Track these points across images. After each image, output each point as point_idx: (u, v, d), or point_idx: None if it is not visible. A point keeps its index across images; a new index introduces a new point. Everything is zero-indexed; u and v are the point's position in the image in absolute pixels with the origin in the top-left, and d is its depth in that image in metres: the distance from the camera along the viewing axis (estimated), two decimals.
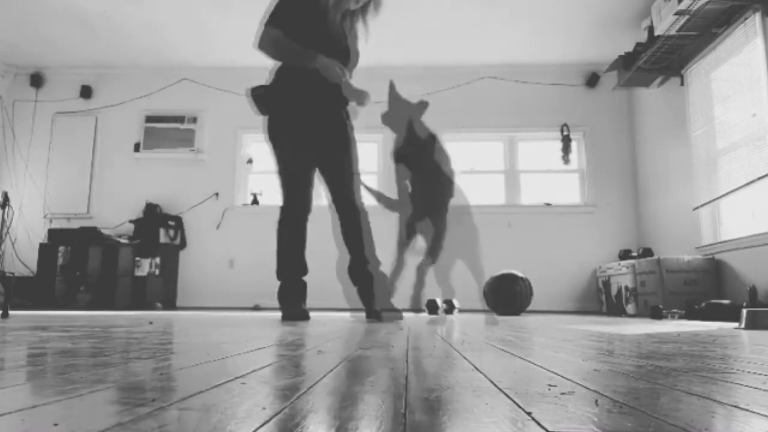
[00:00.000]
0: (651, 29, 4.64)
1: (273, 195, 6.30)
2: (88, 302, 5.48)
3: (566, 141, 6.08)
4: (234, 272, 6.01)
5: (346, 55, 2.90)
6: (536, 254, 5.80)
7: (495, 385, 0.64)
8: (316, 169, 2.90)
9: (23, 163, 6.33)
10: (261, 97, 2.78)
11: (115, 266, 5.64)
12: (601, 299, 5.60)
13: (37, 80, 6.42)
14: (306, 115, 2.75)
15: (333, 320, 2.94)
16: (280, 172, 2.84)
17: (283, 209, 2.88)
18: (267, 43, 2.70)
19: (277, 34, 2.68)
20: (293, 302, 2.82)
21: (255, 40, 2.76)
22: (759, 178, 3.87)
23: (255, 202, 6.21)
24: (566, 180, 6.23)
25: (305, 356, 0.99)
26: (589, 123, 6.14)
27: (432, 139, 3.57)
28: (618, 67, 5.15)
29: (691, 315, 3.87)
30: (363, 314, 3.00)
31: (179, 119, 6.29)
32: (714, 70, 4.51)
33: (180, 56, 6.15)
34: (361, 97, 2.78)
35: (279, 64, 2.82)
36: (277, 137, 2.78)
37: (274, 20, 2.71)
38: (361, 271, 2.87)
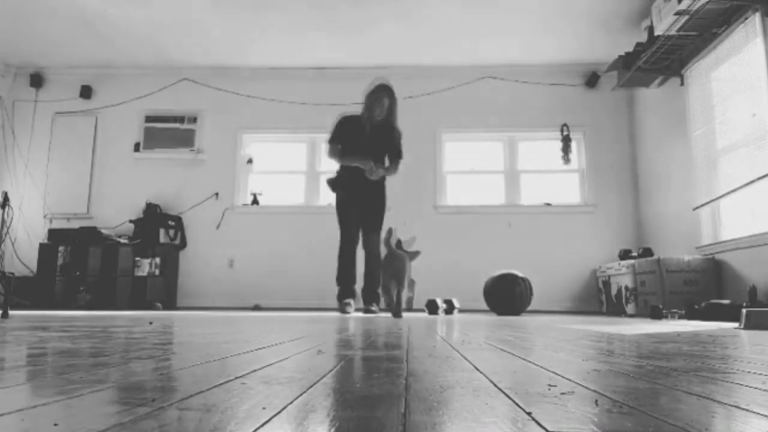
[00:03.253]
0: (651, 29, 4.64)
1: (273, 195, 6.32)
2: (88, 302, 5.48)
3: (566, 141, 6.08)
4: (234, 272, 6.01)
5: (379, 151, 4.36)
6: (536, 254, 5.81)
7: (495, 385, 0.64)
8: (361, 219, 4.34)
9: (23, 163, 6.34)
10: (332, 181, 4.38)
11: (115, 266, 5.64)
12: (601, 299, 5.60)
13: (37, 80, 6.42)
14: (356, 191, 4.30)
15: (333, 320, 2.94)
16: (339, 221, 4.31)
17: (341, 241, 4.32)
18: (330, 154, 4.36)
19: (334, 147, 4.32)
20: (346, 303, 4.19)
21: (325, 153, 4.54)
22: (759, 178, 3.87)
23: (255, 202, 6.21)
24: (566, 180, 6.23)
25: (305, 356, 0.99)
26: (589, 123, 6.14)
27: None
28: (618, 67, 5.15)
29: (691, 315, 3.87)
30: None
31: (179, 119, 6.29)
32: (714, 70, 4.51)
33: (180, 56, 6.15)
34: (386, 173, 4.33)
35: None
36: (339, 204, 4.33)
37: (332, 137, 4.33)
38: (372, 291, 4.29)
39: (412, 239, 4.45)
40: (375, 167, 4.17)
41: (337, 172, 4.38)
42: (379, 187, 4.37)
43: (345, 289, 4.24)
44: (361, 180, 4.23)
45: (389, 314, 3.88)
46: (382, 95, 4.26)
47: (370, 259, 4.31)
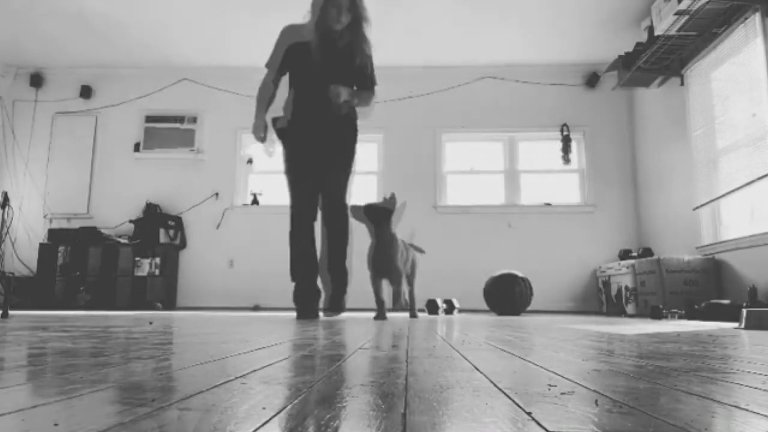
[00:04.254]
0: (651, 29, 4.64)
1: (273, 195, 6.32)
2: (88, 302, 5.48)
3: (566, 141, 6.08)
4: (234, 272, 6.01)
5: (348, 79, 3.15)
6: (536, 254, 5.81)
7: (495, 385, 0.64)
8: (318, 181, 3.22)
9: (23, 163, 6.34)
10: (279, 123, 3.22)
11: (115, 266, 5.64)
12: (601, 299, 5.60)
13: (37, 80, 6.42)
14: (312, 134, 3.16)
15: (333, 320, 2.94)
16: (289, 185, 3.21)
17: (291, 216, 3.22)
18: (260, 89, 3.22)
19: (268, 78, 3.18)
20: (305, 303, 3.11)
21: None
22: (759, 178, 3.87)
23: (255, 202, 6.21)
24: (566, 180, 6.23)
25: (306, 356, 0.99)
26: (589, 123, 6.14)
27: None
28: (618, 67, 5.15)
29: (691, 315, 3.87)
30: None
31: (179, 119, 6.29)
32: (714, 70, 4.51)
33: (180, 56, 6.15)
34: (351, 98, 3.12)
35: (292, 95, 3.21)
36: (288, 158, 3.21)
37: (269, 60, 3.19)
38: (340, 269, 3.21)
39: (412, 234, 3.91)
40: (335, 90, 2.96)
41: (284, 110, 3.19)
42: (346, 125, 3.18)
43: (303, 287, 3.12)
44: (320, 117, 3.07)
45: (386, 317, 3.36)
46: None
47: (333, 239, 3.15)
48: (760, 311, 2.49)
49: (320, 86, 3.00)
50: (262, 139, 3.13)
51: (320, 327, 2.16)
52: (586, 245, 5.88)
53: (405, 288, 3.35)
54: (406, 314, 3.95)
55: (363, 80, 3.16)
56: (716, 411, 0.52)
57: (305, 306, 3.08)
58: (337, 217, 3.16)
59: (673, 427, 0.43)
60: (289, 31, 3.14)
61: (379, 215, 3.19)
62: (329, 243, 3.17)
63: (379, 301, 3.27)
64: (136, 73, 6.44)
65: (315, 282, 3.16)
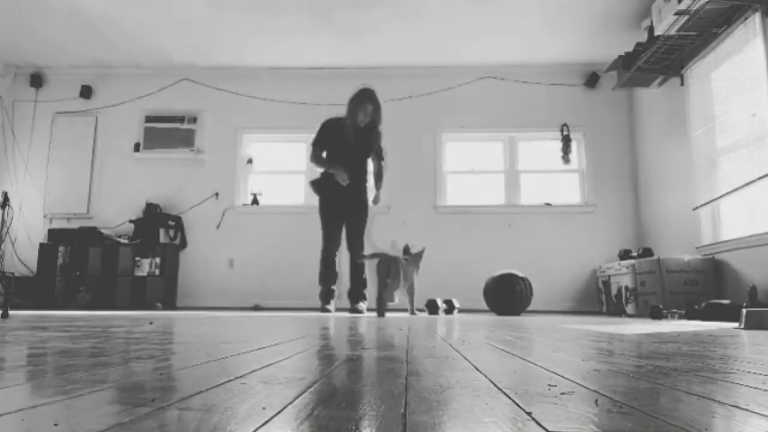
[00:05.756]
0: (651, 29, 4.64)
1: (273, 195, 6.32)
2: (88, 302, 5.48)
3: (566, 141, 6.08)
4: (234, 272, 6.01)
5: (363, 155, 4.53)
6: (536, 254, 5.81)
7: (495, 385, 0.64)
8: (344, 223, 4.49)
9: (23, 163, 6.34)
10: (315, 183, 4.50)
11: (115, 266, 5.64)
12: (601, 299, 5.60)
13: (37, 80, 6.42)
14: (338, 194, 4.41)
15: (333, 320, 2.94)
16: (322, 223, 4.46)
17: (323, 247, 4.48)
18: (313, 158, 4.52)
19: (318, 152, 4.47)
20: (328, 299, 4.39)
21: (309, 157, 4.65)
22: (759, 178, 3.87)
23: (255, 202, 6.21)
24: (566, 180, 6.23)
25: (306, 356, 0.99)
26: (589, 123, 6.14)
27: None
28: (618, 67, 5.15)
29: (691, 315, 3.87)
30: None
31: (179, 119, 6.28)
32: (714, 70, 4.51)
33: (180, 56, 6.15)
34: (377, 189, 4.61)
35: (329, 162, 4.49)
36: (322, 206, 4.48)
37: (315, 140, 4.50)
38: (358, 291, 4.40)
39: (422, 251, 4.39)
40: (343, 173, 4.29)
41: (321, 174, 4.50)
42: (361, 194, 4.50)
43: (327, 289, 4.40)
44: (343, 185, 4.35)
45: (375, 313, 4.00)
46: (365, 101, 4.30)
47: (353, 265, 4.45)
48: (760, 311, 2.49)
49: (351, 159, 4.41)
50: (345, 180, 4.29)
51: (321, 327, 2.16)
52: (586, 245, 5.88)
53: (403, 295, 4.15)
54: (405, 313, 4.02)
55: (376, 153, 4.53)
56: (716, 411, 0.52)
57: (327, 302, 4.36)
58: (357, 247, 4.42)
59: (673, 427, 0.43)
60: (329, 124, 4.48)
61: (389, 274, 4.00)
62: (351, 263, 4.41)
63: (381, 302, 3.96)
64: (136, 73, 6.44)
65: (334, 286, 4.42)
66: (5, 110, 6.40)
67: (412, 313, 4.11)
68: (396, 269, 3.98)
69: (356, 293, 4.38)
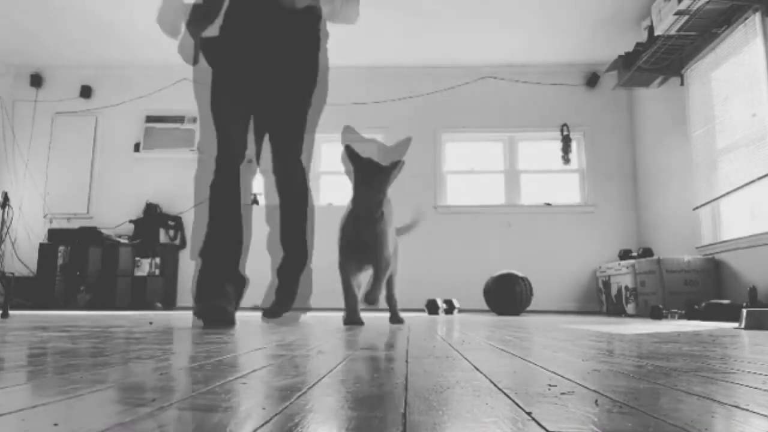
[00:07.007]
0: (651, 29, 4.64)
1: (272, 195, 6.30)
2: (88, 302, 5.48)
3: (566, 141, 6.08)
4: None
5: None
6: (536, 254, 5.81)
7: (495, 385, 0.64)
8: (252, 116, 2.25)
9: (23, 163, 6.33)
10: (207, 39, 2.20)
11: (115, 266, 5.64)
12: (601, 299, 5.60)
13: (37, 80, 6.42)
14: (249, 46, 2.07)
15: (333, 320, 2.94)
16: (213, 117, 2.26)
17: (216, 165, 2.25)
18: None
19: None
20: (213, 296, 1.93)
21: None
22: (759, 178, 3.87)
23: (255, 202, 6.21)
24: (566, 180, 6.23)
25: (305, 356, 0.99)
26: (589, 123, 6.14)
27: None
28: (618, 67, 5.15)
29: (691, 315, 3.87)
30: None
31: (179, 119, 6.29)
32: (714, 70, 4.51)
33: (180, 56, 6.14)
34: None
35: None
36: (214, 82, 2.19)
37: None
38: (296, 269, 2.28)
39: (417, 216, 3.22)
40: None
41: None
42: (305, 25, 2.23)
43: (212, 270, 2.12)
44: (264, 13, 2.14)
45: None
46: None
47: (287, 204, 2.34)
48: (760, 311, 2.49)
49: None
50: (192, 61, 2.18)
51: (321, 327, 2.15)
52: (586, 245, 5.88)
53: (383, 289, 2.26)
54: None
55: None
56: (716, 411, 0.51)
57: (212, 300, 1.94)
58: (289, 174, 2.22)
59: (673, 427, 0.43)
60: None
61: (370, 166, 2.10)
62: (280, 211, 2.32)
63: (352, 297, 2.29)
64: (136, 73, 6.44)
65: (235, 266, 2.11)
66: (5, 110, 6.40)
67: (395, 318, 2.56)
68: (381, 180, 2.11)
69: (288, 281, 2.34)
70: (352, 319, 2.29)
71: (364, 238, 2.17)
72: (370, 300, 2.11)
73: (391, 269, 2.35)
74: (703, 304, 3.76)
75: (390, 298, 2.61)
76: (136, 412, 0.46)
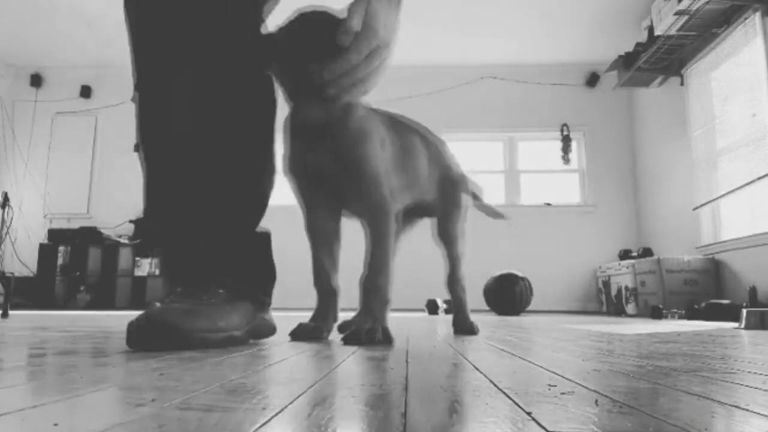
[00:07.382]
0: (651, 29, 4.64)
1: (274, 194, 6.30)
2: (88, 302, 5.48)
3: (566, 141, 6.08)
4: None
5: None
6: (536, 254, 5.81)
7: (495, 385, 0.64)
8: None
9: (23, 163, 6.33)
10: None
11: (115, 266, 5.64)
12: (601, 299, 5.60)
13: (37, 80, 6.42)
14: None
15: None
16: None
17: None
18: None
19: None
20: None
21: None
22: (759, 178, 3.87)
23: None
24: (566, 180, 6.23)
25: (305, 356, 0.99)
26: (589, 123, 6.14)
27: None
28: (618, 67, 5.16)
29: (691, 315, 3.87)
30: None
31: None
32: (714, 70, 4.51)
33: None
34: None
35: None
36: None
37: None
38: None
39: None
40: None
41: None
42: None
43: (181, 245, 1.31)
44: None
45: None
46: None
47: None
48: (760, 311, 2.49)
49: None
50: None
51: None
52: (586, 245, 5.88)
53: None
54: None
55: None
56: (716, 411, 0.51)
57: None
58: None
59: (673, 427, 0.43)
60: None
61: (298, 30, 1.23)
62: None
63: (324, 283, 1.52)
64: None
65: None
66: (5, 110, 6.40)
67: (462, 324, 1.78)
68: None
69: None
70: (305, 331, 1.41)
71: (317, 164, 1.28)
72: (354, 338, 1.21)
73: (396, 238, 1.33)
74: (703, 304, 3.76)
75: (456, 289, 1.80)
76: (136, 412, 0.46)
